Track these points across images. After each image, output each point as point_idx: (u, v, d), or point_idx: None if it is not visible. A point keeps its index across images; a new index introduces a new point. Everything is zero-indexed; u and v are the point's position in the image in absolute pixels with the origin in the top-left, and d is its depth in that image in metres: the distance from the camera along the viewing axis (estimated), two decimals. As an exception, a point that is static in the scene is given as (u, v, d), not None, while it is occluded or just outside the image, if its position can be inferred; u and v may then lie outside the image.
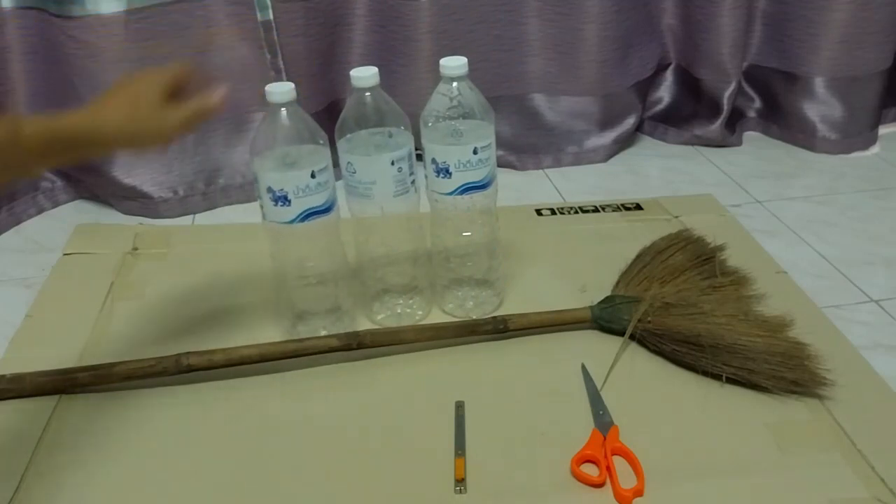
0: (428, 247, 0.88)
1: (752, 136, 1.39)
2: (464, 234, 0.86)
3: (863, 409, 0.73)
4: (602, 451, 0.69)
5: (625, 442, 0.70)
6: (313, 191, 0.76)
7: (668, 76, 1.40)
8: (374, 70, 0.76)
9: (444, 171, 0.80)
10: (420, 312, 0.89)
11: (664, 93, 1.41)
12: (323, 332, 0.83)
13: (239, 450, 0.71)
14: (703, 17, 1.28)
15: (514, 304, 0.90)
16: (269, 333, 0.84)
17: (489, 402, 0.76)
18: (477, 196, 0.82)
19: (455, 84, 0.78)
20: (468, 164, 0.79)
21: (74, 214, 1.18)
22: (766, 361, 0.75)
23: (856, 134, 1.31)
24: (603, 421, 0.72)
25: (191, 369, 0.78)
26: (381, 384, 0.79)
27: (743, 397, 0.75)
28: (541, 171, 1.29)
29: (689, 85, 1.37)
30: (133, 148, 0.64)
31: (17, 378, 0.77)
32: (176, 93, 0.66)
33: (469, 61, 0.77)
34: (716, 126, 1.33)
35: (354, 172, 0.79)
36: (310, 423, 0.74)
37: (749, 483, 0.66)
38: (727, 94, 1.31)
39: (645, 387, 0.78)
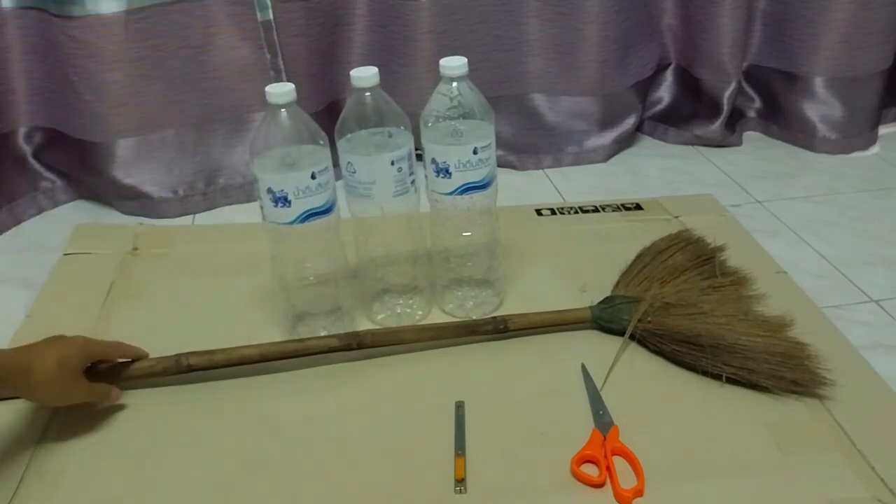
0: (428, 247, 0.88)
1: (752, 136, 1.39)
2: (464, 234, 0.86)
3: (863, 409, 0.73)
4: (602, 451, 0.69)
5: (625, 442, 0.70)
6: (313, 192, 0.76)
7: (668, 76, 1.40)
8: (374, 70, 0.76)
9: (444, 171, 0.80)
10: (420, 312, 0.89)
11: (664, 93, 1.41)
12: (323, 333, 0.83)
13: (239, 450, 0.71)
14: (703, 17, 1.28)
15: (514, 304, 0.90)
16: (269, 333, 0.84)
17: (489, 402, 0.76)
18: (477, 196, 0.82)
19: (455, 84, 0.78)
20: (468, 164, 0.79)
21: (74, 214, 1.18)
22: (766, 361, 0.75)
23: (856, 134, 1.31)
24: (603, 421, 0.72)
25: (191, 369, 0.78)
26: (381, 384, 0.79)
27: (743, 397, 0.75)
28: (541, 171, 1.29)
29: (689, 85, 1.37)
30: (38, 401, 0.72)
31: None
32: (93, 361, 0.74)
33: (469, 61, 0.77)
34: (716, 126, 1.33)
35: (354, 172, 0.79)
36: (310, 423, 0.74)
37: (749, 483, 0.66)
38: (727, 94, 1.31)
39: (645, 387, 0.78)
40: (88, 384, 0.72)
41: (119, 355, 0.77)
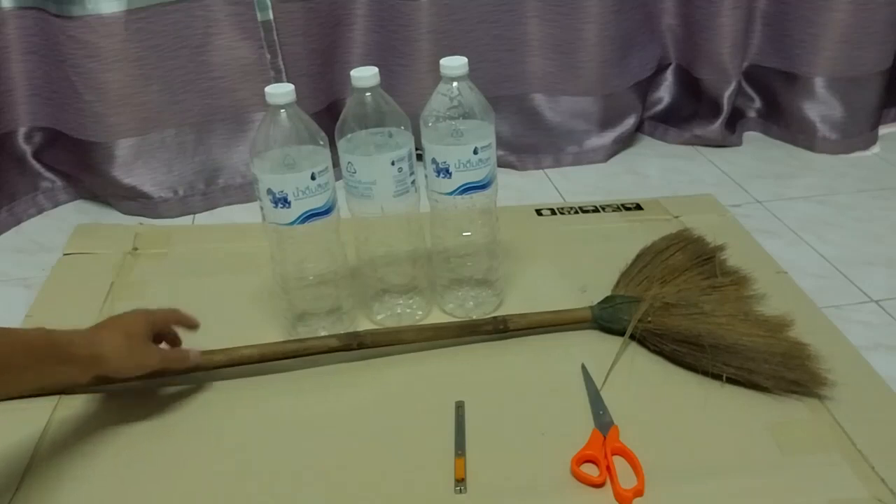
0: (428, 247, 0.88)
1: (752, 136, 1.39)
2: (464, 234, 0.86)
3: (863, 409, 0.73)
4: (602, 451, 0.69)
5: (625, 442, 0.70)
6: (313, 192, 0.76)
7: (668, 76, 1.40)
8: (374, 70, 0.76)
9: (444, 171, 0.80)
10: (420, 312, 0.89)
11: (664, 93, 1.41)
12: (323, 333, 0.83)
13: (239, 450, 0.71)
14: (703, 17, 1.28)
15: (514, 304, 0.90)
16: (269, 333, 0.84)
17: (489, 402, 0.76)
18: (477, 196, 0.82)
19: (455, 84, 0.78)
20: (468, 164, 0.79)
21: (74, 214, 1.18)
22: (766, 361, 0.75)
23: (856, 134, 1.31)
24: (603, 421, 0.72)
25: (190, 369, 0.78)
26: (381, 384, 0.79)
27: (743, 397, 0.75)
28: (541, 171, 1.29)
29: (689, 85, 1.37)
30: (115, 373, 0.71)
31: (18, 378, 0.77)
32: (158, 333, 0.76)
33: (469, 61, 0.77)
34: (716, 126, 1.33)
35: (355, 172, 0.79)
36: (310, 423, 0.74)
37: (749, 483, 0.66)
38: (727, 94, 1.31)
39: (645, 387, 0.78)
40: (160, 350, 0.74)
41: (176, 320, 0.77)
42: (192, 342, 0.80)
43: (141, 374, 0.71)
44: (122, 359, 0.69)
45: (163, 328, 0.76)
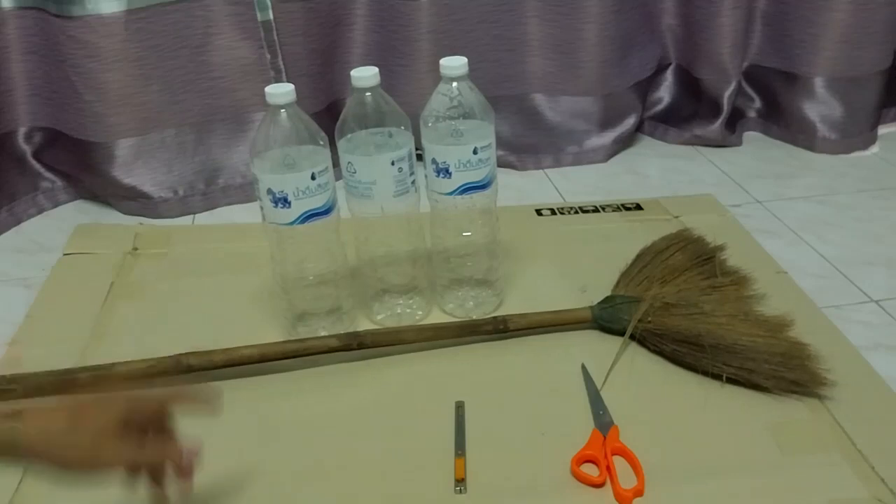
0: (428, 247, 0.88)
1: (752, 136, 1.39)
2: (464, 234, 0.86)
3: (863, 409, 0.73)
4: (602, 451, 0.69)
5: (625, 442, 0.69)
6: (313, 192, 0.76)
7: (668, 76, 1.40)
8: (374, 70, 0.76)
9: (444, 171, 0.80)
10: (420, 312, 0.89)
11: (664, 93, 1.41)
12: (323, 333, 0.83)
13: (238, 450, 0.71)
14: (703, 17, 1.28)
15: (514, 304, 0.89)
16: (269, 333, 0.84)
17: (489, 402, 0.76)
18: (477, 196, 0.82)
19: (455, 84, 0.78)
20: (468, 164, 0.79)
21: (74, 214, 1.18)
22: (766, 361, 0.75)
23: (856, 134, 1.31)
24: (603, 421, 0.72)
25: (191, 369, 0.78)
26: (381, 384, 0.79)
27: (743, 397, 0.75)
28: (541, 171, 1.29)
29: (689, 85, 1.37)
30: (56, 463, 0.52)
31: (17, 378, 0.77)
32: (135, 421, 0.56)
33: (469, 61, 0.77)
34: (716, 126, 1.33)
35: (355, 172, 0.79)
36: (310, 423, 0.74)
37: (749, 483, 0.66)
38: (727, 94, 1.31)
39: (645, 387, 0.78)
40: (122, 447, 0.55)
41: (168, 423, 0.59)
42: (192, 342, 0.79)
43: (98, 469, 0.54)
44: (59, 447, 0.51)
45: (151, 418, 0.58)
